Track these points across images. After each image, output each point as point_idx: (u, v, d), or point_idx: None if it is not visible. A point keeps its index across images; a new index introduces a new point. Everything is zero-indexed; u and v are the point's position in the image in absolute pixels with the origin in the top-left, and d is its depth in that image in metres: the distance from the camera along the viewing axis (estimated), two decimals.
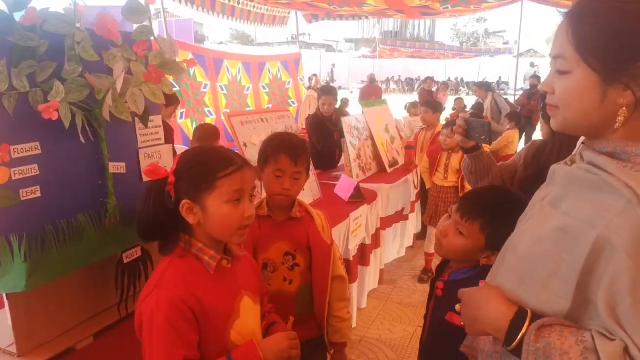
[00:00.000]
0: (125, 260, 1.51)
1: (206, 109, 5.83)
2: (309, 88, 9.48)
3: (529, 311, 0.82)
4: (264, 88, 7.01)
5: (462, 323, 0.99)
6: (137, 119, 1.59)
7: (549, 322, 0.78)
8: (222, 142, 4.17)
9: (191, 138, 4.34)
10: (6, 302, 1.28)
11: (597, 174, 0.78)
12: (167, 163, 1.76)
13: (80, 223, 1.36)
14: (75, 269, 1.34)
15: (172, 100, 3.80)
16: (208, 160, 1.09)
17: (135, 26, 1.43)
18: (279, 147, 1.57)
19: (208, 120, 5.82)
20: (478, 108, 7.52)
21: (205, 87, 5.60)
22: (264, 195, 1.65)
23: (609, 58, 0.76)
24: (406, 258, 4.31)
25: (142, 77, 1.46)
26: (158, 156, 1.71)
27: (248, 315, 1.17)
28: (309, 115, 4.96)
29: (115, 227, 1.48)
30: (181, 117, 5.24)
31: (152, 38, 1.45)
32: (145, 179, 1.65)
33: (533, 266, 0.85)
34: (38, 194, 1.29)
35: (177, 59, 1.56)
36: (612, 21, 0.76)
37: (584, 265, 0.75)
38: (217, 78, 5.85)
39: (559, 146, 1.67)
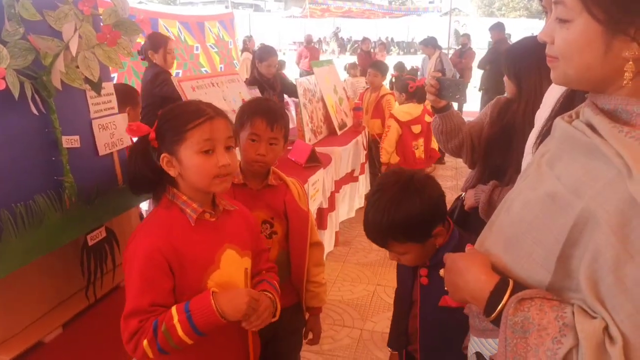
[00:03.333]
0: (90, 243, 1.39)
1: None
2: (243, 50, 9.15)
3: (510, 282, 0.78)
4: (212, 47, 6.66)
5: (446, 288, 0.94)
6: (87, 87, 1.44)
7: (529, 295, 0.74)
8: None
9: None
10: None
11: (590, 137, 0.72)
12: (123, 134, 1.61)
13: (39, 206, 1.21)
14: (37, 256, 1.21)
15: (159, 40, 3.39)
16: (180, 114, 1.14)
17: None
18: (256, 110, 1.51)
19: None
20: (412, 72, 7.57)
21: None
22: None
23: (614, 7, 0.68)
24: (358, 219, 4.36)
25: (94, 39, 1.30)
26: (113, 127, 1.56)
27: (229, 267, 1.20)
28: (247, 78, 4.77)
29: (76, 207, 1.34)
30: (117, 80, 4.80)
31: None
32: (102, 152, 1.52)
33: (520, 231, 0.81)
34: None
35: None
36: None
37: (567, 236, 0.71)
38: None
39: (525, 104, 1.71)
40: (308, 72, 8.01)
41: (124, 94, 2.79)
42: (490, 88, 7.11)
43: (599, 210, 0.66)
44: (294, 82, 4.14)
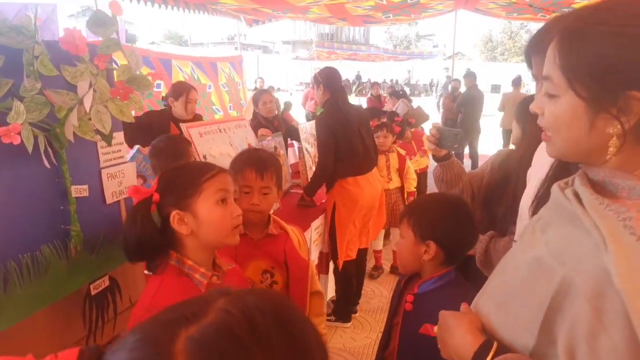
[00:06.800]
0: (93, 292, 1.40)
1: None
2: (254, 90, 9.34)
3: (494, 344, 0.79)
4: (224, 87, 6.83)
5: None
6: (98, 137, 1.48)
7: (510, 359, 0.75)
8: None
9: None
10: None
11: (574, 206, 0.74)
12: (131, 182, 1.65)
13: (45, 256, 1.23)
14: (41, 307, 1.22)
15: (180, 89, 3.24)
16: (190, 169, 1.16)
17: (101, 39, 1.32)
18: (245, 162, 1.56)
19: None
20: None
21: (158, 87, 5.28)
22: None
23: (596, 86, 0.70)
24: None
25: (107, 93, 1.35)
26: (121, 175, 1.60)
27: None
28: (251, 119, 4.83)
29: (80, 256, 1.36)
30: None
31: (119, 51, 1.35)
32: (110, 200, 1.55)
33: (509, 293, 0.82)
34: None
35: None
36: (600, 47, 0.70)
37: (550, 302, 0.71)
38: (171, 78, 5.55)
39: (525, 148, 1.73)
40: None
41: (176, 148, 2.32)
42: (466, 129, 7.48)
43: (577, 279, 0.68)
44: (297, 126, 4.18)
